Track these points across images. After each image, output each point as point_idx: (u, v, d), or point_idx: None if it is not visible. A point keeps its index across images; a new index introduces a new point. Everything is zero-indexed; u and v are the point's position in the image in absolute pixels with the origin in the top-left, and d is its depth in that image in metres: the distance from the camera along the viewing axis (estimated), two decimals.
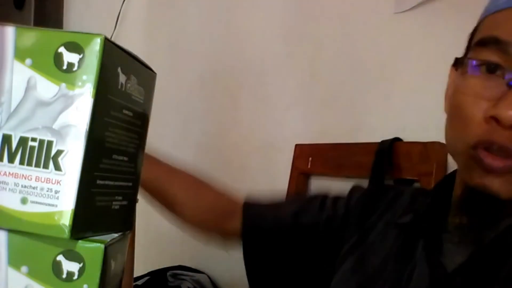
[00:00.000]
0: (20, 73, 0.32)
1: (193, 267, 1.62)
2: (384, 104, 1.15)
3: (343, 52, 1.26)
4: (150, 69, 0.39)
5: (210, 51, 1.69)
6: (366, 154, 1.10)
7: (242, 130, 1.55)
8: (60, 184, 0.31)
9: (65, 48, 0.32)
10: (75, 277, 0.32)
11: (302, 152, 1.30)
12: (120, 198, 0.36)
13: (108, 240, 0.33)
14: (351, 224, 0.66)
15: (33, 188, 0.32)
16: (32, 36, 0.32)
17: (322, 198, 0.74)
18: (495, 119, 0.46)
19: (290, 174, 1.31)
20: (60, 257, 0.32)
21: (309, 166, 1.27)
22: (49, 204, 0.31)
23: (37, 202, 0.32)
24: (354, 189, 0.71)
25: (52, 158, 0.31)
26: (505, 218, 0.50)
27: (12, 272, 0.32)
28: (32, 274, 0.32)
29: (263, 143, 1.47)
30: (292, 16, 1.40)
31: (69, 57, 0.32)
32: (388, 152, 1.07)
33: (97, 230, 0.34)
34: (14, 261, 0.32)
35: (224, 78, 1.63)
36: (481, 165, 0.47)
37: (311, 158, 1.27)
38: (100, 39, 0.31)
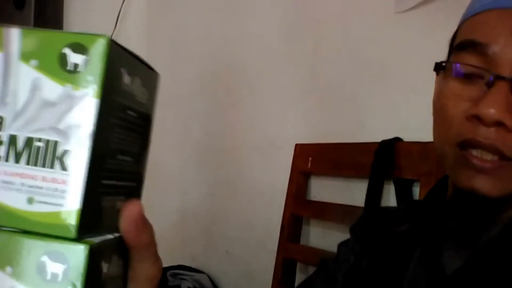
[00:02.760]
0: (25, 74, 0.32)
1: (193, 266, 1.62)
2: (384, 104, 1.15)
3: (343, 52, 1.26)
4: (153, 69, 0.39)
5: (210, 51, 1.69)
6: (367, 154, 1.10)
7: (242, 130, 1.55)
8: (66, 184, 0.31)
9: (70, 48, 0.32)
10: (60, 278, 0.31)
11: (302, 151, 1.30)
12: (123, 198, 0.36)
13: (97, 241, 0.33)
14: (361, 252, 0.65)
15: (39, 188, 0.32)
16: (37, 37, 0.33)
17: (336, 253, 0.69)
18: (477, 118, 0.47)
19: (290, 174, 1.31)
20: (45, 258, 0.31)
21: (309, 166, 1.27)
22: (55, 204, 0.31)
23: (43, 202, 0.32)
24: (351, 229, 0.69)
25: (58, 158, 0.32)
26: (497, 216, 0.50)
27: None
28: (16, 275, 0.31)
29: (263, 143, 1.47)
30: (292, 16, 1.40)
31: (74, 58, 0.32)
32: (389, 151, 1.07)
33: (102, 230, 0.34)
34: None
35: (224, 77, 1.63)
36: (470, 166, 0.48)
37: (311, 158, 1.27)
38: (105, 40, 0.32)
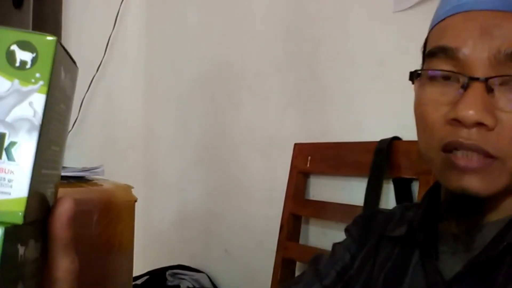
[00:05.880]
0: None
1: (192, 266, 1.62)
2: (383, 103, 1.15)
3: (342, 50, 1.26)
4: (75, 62, 0.41)
5: (209, 51, 1.69)
6: (365, 153, 1.10)
7: (241, 130, 1.55)
8: (13, 174, 0.33)
9: (18, 46, 0.34)
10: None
11: (301, 151, 1.30)
12: (51, 185, 0.38)
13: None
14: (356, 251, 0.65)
15: None
16: None
17: (330, 252, 0.69)
18: (457, 121, 0.48)
19: (289, 173, 1.31)
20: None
21: (308, 165, 1.28)
22: (3, 192, 0.33)
23: None
24: (346, 229, 0.69)
25: (5, 149, 0.33)
26: (487, 214, 0.52)
27: None
28: None
29: (262, 142, 1.47)
30: (291, 15, 1.41)
31: (22, 55, 0.34)
32: (387, 151, 1.07)
33: (39, 215, 0.36)
34: None
35: (223, 77, 1.63)
36: (456, 167, 0.49)
37: (310, 157, 1.27)
38: (54, 40, 0.34)
